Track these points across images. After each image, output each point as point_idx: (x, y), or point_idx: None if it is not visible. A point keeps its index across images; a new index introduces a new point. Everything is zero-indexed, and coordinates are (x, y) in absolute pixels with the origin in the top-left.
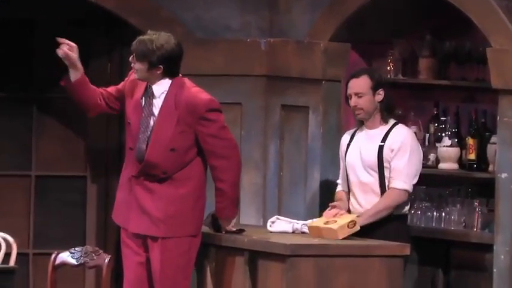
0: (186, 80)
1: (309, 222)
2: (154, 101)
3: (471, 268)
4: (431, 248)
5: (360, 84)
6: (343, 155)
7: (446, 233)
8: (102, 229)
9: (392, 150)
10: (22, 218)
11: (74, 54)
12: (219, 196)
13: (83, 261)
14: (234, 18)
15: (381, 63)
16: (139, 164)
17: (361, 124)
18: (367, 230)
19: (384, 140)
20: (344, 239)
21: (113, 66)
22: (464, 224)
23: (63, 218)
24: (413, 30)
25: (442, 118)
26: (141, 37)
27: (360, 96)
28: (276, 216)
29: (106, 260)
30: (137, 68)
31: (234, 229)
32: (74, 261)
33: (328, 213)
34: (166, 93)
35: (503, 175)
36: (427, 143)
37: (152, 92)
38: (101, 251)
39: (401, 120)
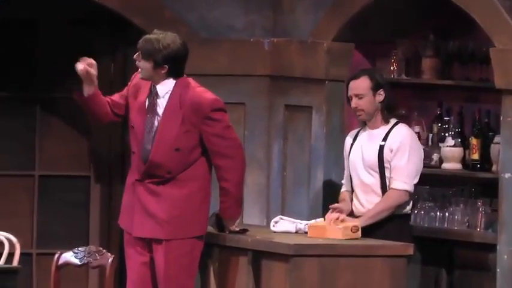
0: (191, 80)
1: (312, 222)
2: (158, 101)
3: (474, 268)
4: (435, 248)
5: (360, 85)
6: (347, 155)
7: (450, 233)
8: (106, 229)
9: (391, 150)
10: (25, 218)
11: (94, 72)
12: (223, 196)
13: (86, 261)
14: (237, 18)
15: (384, 63)
16: (144, 164)
17: (364, 124)
18: (368, 230)
19: (384, 139)
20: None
21: (116, 66)
22: (467, 224)
23: (66, 218)
24: (416, 30)
25: (445, 118)
26: (147, 36)
27: (361, 98)
28: (279, 216)
29: (109, 260)
30: (142, 67)
31: (237, 229)
32: (77, 261)
33: (329, 216)
34: (171, 93)
35: (507, 175)
36: (430, 143)
37: (156, 92)
38: (104, 251)
39: (405, 120)
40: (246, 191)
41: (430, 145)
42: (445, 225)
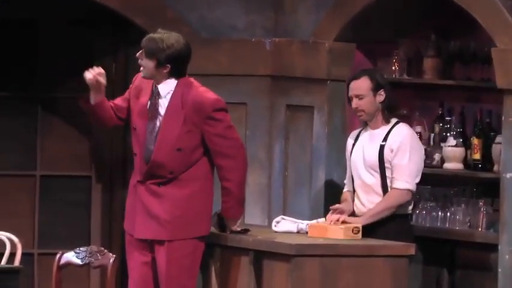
0: (193, 80)
1: (313, 222)
2: (160, 101)
3: (476, 268)
4: (436, 248)
5: (361, 86)
6: (349, 155)
7: (451, 232)
8: (107, 229)
9: (392, 150)
10: (27, 218)
11: (104, 81)
12: (225, 196)
13: (87, 261)
14: (239, 18)
15: (386, 63)
16: (146, 165)
17: (365, 124)
18: (369, 229)
19: (385, 139)
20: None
21: (117, 66)
22: (469, 223)
23: (68, 218)
24: (418, 30)
25: (447, 118)
26: (151, 35)
27: (361, 98)
28: (281, 216)
29: (111, 260)
30: (144, 65)
31: (239, 229)
32: (78, 261)
33: (330, 217)
34: (173, 93)
35: (508, 175)
36: (432, 142)
37: (158, 92)
38: (106, 251)
39: (406, 120)
40: (247, 191)
41: (432, 145)
42: (447, 225)
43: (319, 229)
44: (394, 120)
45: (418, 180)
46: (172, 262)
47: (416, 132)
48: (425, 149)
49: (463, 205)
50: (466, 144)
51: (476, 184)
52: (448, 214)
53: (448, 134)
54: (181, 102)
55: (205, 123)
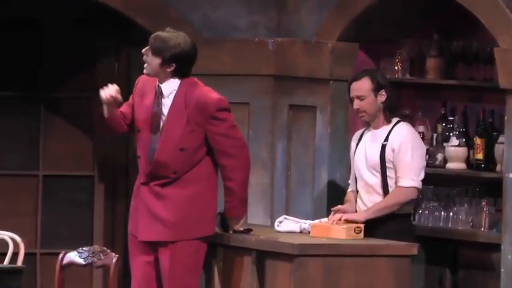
0: (196, 80)
1: (316, 222)
2: (163, 100)
3: (479, 268)
4: (439, 248)
5: (361, 86)
6: (353, 155)
7: (454, 232)
8: (110, 229)
9: (393, 150)
10: (30, 218)
11: (120, 97)
12: (228, 195)
13: (90, 261)
14: (241, 18)
15: (389, 63)
16: (149, 165)
17: (368, 124)
18: (369, 228)
19: (386, 139)
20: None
21: (120, 66)
22: (471, 223)
23: (70, 218)
24: (420, 30)
25: (449, 118)
26: (160, 33)
27: (362, 99)
28: (283, 216)
29: (113, 260)
30: (149, 62)
31: (241, 229)
32: (81, 261)
33: (332, 218)
34: (176, 93)
35: (511, 175)
36: (434, 142)
37: (161, 91)
38: (109, 251)
39: (409, 120)
40: (250, 191)
41: (435, 145)
42: (449, 225)
43: (322, 229)
44: (395, 120)
45: (422, 177)
46: (176, 262)
47: (419, 132)
48: (428, 149)
49: (465, 205)
50: (469, 144)
51: (479, 184)
52: (451, 214)
53: (451, 134)
54: (185, 102)
55: (208, 123)
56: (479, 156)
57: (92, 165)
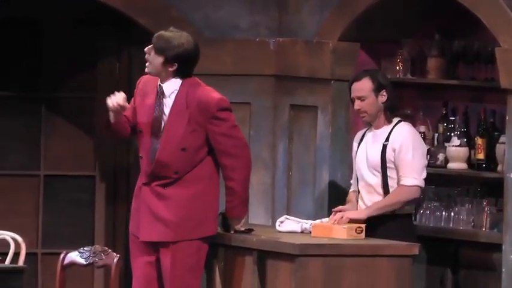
0: (197, 80)
1: (317, 222)
2: (164, 100)
3: (480, 268)
4: (440, 248)
5: (362, 87)
6: (355, 155)
7: (455, 232)
8: (111, 229)
9: (394, 150)
10: (31, 218)
11: (127, 104)
12: (229, 195)
13: (91, 261)
14: (242, 18)
15: (390, 62)
16: (151, 164)
17: (369, 125)
18: (370, 228)
19: (387, 139)
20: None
21: (121, 66)
22: (473, 223)
23: (71, 218)
24: (421, 29)
25: (450, 118)
26: (163, 32)
27: (363, 99)
28: (284, 216)
29: (115, 260)
30: (152, 60)
31: (243, 229)
32: (82, 261)
33: (333, 218)
34: (177, 93)
35: None
36: (436, 142)
37: (162, 91)
38: (110, 251)
39: (410, 119)
40: (251, 190)
41: (436, 145)
42: (451, 225)
43: (323, 229)
44: (396, 120)
45: (424, 176)
46: (177, 262)
47: (420, 132)
48: (429, 149)
49: (467, 205)
50: (470, 144)
51: (480, 184)
52: (452, 214)
53: (452, 134)
54: (186, 102)
55: (210, 123)
56: (481, 156)
57: (93, 165)
